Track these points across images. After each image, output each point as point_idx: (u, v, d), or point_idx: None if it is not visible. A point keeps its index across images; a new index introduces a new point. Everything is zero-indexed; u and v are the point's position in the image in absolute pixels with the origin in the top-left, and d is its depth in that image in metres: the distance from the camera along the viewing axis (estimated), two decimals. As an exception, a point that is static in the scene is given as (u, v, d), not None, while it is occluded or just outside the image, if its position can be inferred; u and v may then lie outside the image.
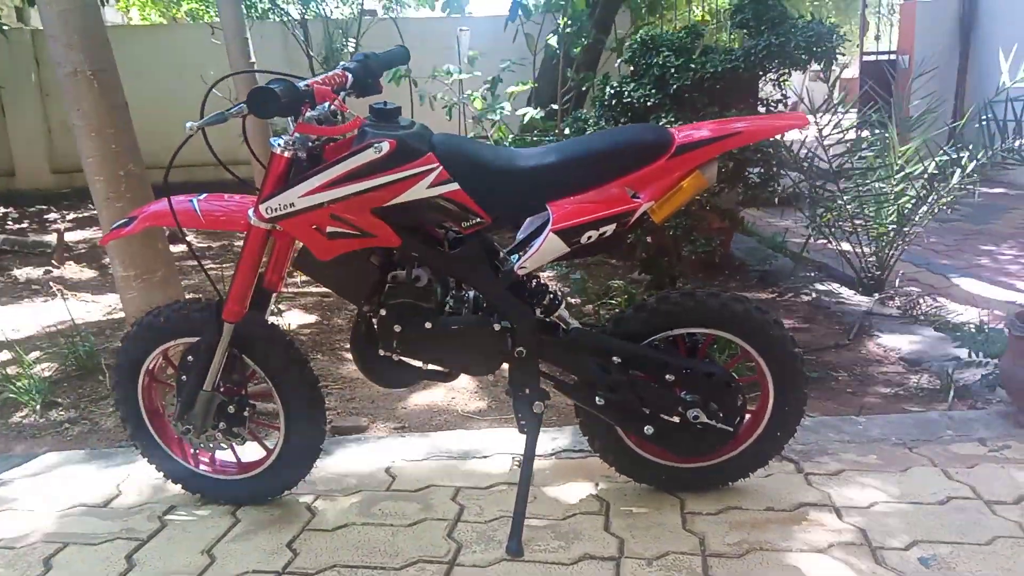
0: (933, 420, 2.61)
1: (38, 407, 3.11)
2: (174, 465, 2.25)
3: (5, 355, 3.73)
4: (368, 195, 1.81)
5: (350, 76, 1.99)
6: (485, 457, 2.47)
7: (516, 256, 1.96)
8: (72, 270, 5.37)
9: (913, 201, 4.09)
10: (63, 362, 3.53)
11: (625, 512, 2.14)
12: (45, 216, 7.08)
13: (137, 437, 2.24)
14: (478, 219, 1.87)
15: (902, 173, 4.09)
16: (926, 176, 4.03)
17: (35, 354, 3.72)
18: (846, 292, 4.36)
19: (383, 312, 1.99)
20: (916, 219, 4.11)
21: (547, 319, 2.01)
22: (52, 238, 5.95)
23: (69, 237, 6.18)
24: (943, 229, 5.55)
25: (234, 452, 2.24)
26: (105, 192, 2.85)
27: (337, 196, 1.81)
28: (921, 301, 4.13)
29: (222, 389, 2.10)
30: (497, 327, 1.96)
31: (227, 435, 2.11)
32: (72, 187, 7.84)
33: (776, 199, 4.37)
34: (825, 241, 4.58)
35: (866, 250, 4.37)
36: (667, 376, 2.00)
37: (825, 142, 4.28)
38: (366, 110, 1.87)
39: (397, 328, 1.98)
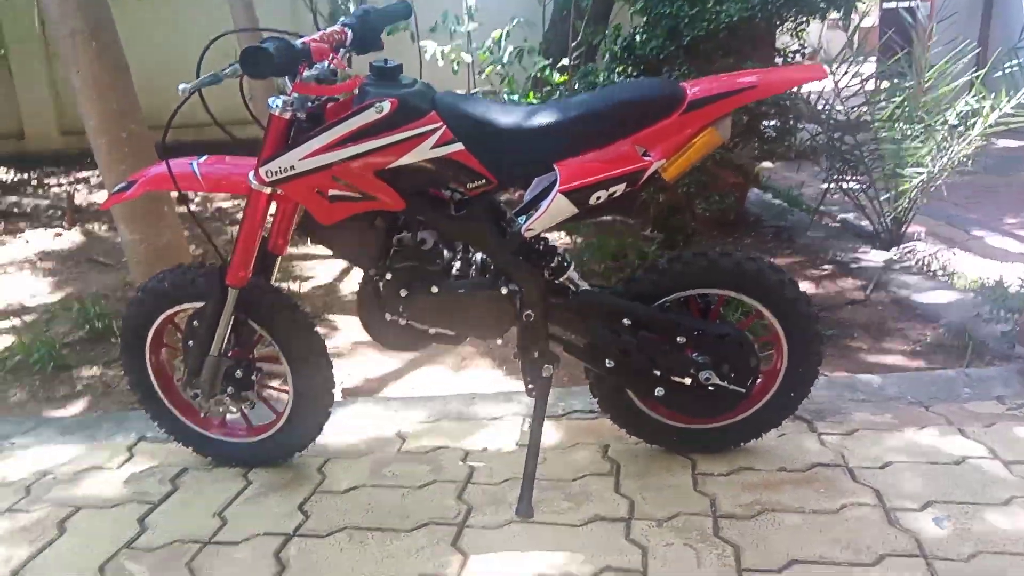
0: (950, 378, 2.57)
1: (50, 371, 3.12)
2: (184, 429, 2.25)
3: (18, 320, 3.75)
4: (370, 157, 1.77)
5: (349, 32, 1.92)
6: (496, 419, 2.45)
7: (523, 218, 1.92)
8: (82, 232, 5.36)
9: (933, 153, 4.00)
10: (75, 325, 3.54)
11: (636, 473, 2.12)
12: (55, 178, 7.05)
13: (146, 402, 2.24)
14: (484, 181, 1.82)
15: (922, 124, 3.99)
16: (947, 127, 3.93)
17: (47, 317, 3.73)
18: (863, 247, 4.29)
19: (389, 276, 1.95)
20: (936, 172, 4.02)
21: (556, 281, 1.97)
22: (63, 201, 5.93)
23: (79, 199, 6.16)
24: (963, 182, 5.43)
25: (244, 416, 2.24)
26: (109, 154, 2.83)
27: (339, 158, 1.77)
28: (939, 256, 4.06)
29: (230, 354, 2.09)
30: (504, 291, 1.93)
31: (236, 400, 2.10)
32: (82, 148, 7.68)
33: (793, 153, 4.27)
34: (842, 195, 4.50)
35: (884, 205, 4.29)
36: (678, 338, 1.97)
37: (843, 93, 4.17)
38: (367, 71, 1.81)
39: (403, 293, 1.94)
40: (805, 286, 3.75)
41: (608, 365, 1.99)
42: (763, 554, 1.78)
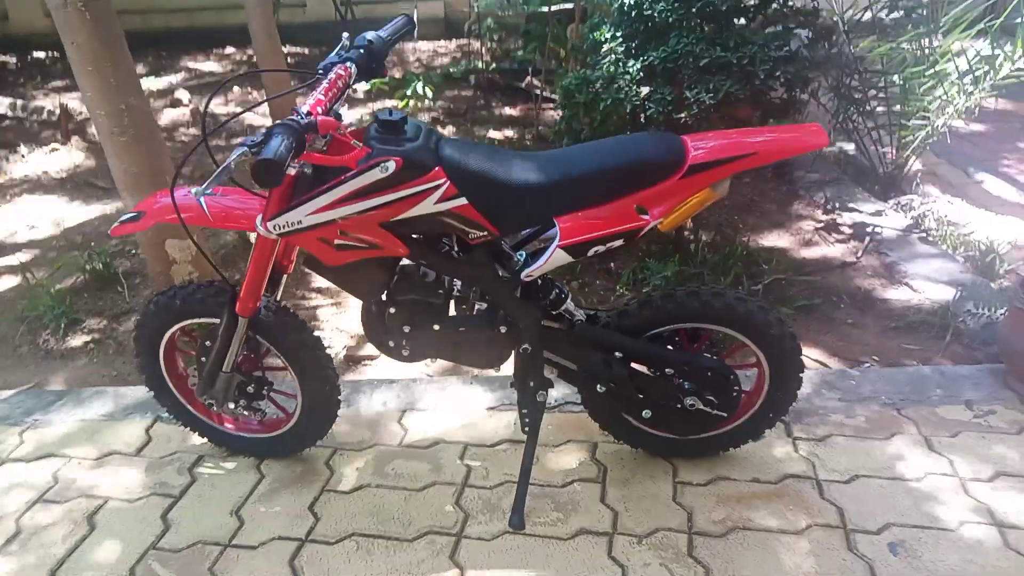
0: (925, 376, 2.69)
1: (63, 327, 3.23)
2: (199, 423, 2.40)
3: (21, 255, 3.81)
4: (375, 212, 1.80)
5: (353, 68, 1.90)
6: (491, 409, 2.60)
7: (522, 254, 1.99)
8: (79, 147, 5.30)
9: (939, 103, 3.95)
10: (80, 272, 3.61)
11: (620, 480, 2.29)
12: (44, 69, 6.86)
13: (162, 398, 2.37)
14: (486, 232, 1.86)
15: (932, 71, 3.92)
16: (956, 74, 3.86)
17: (52, 256, 3.80)
18: (861, 193, 4.31)
19: (392, 311, 2.03)
20: (939, 125, 3.99)
21: (553, 312, 2.06)
22: (54, 103, 5.81)
23: (72, 105, 6.04)
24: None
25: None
26: (108, 127, 2.80)
27: (344, 214, 1.80)
28: (933, 211, 4.10)
29: (240, 359, 2.19)
30: (504, 329, 2.02)
31: (248, 409, 2.23)
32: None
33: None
34: (845, 135, 4.47)
35: (886, 151, 4.28)
36: (667, 369, 2.08)
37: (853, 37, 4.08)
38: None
39: (406, 329, 2.03)
40: (798, 240, 3.83)
41: (599, 390, 2.11)
42: (730, 576, 1.98)
